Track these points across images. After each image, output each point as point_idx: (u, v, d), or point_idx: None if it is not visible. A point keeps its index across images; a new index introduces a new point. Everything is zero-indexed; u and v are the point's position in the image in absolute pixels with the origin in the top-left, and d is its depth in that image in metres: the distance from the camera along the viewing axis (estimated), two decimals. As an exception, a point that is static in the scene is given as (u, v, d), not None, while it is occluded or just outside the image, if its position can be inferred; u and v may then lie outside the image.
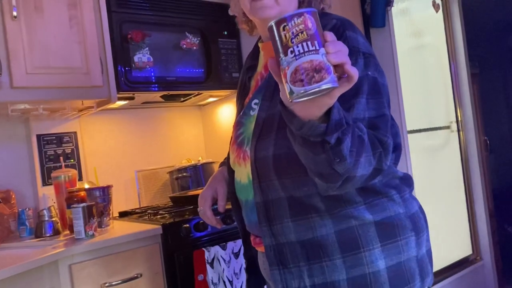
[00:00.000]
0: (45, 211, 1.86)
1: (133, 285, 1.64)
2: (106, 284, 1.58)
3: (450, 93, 3.17)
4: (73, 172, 1.97)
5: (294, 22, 0.68)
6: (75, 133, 2.13)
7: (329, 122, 0.75)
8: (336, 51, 0.69)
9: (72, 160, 2.10)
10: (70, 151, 2.10)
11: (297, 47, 0.67)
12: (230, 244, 1.71)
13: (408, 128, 2.59)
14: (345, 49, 0.71)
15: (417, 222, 1.01)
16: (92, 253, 1.58)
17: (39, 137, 2.03)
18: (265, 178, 0.98)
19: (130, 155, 2.35)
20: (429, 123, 2.97)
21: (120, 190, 2.24)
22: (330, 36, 0.70)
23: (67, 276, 1.53)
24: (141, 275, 1.66)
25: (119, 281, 1.61)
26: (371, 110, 0.91)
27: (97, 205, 1.81)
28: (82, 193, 1.85)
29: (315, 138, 0.76)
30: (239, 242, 1.59)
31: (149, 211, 2.03)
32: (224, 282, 1.54)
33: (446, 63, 3.19)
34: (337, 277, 0.94)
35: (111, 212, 1.93)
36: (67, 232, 1.86)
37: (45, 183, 2.03)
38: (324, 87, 0.67)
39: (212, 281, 1.53)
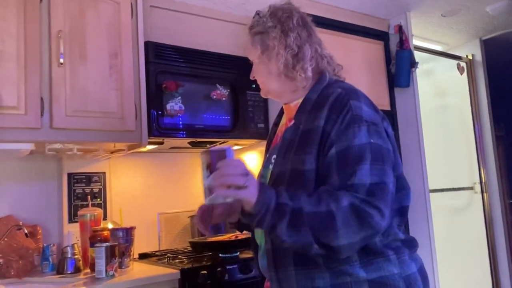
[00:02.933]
0: (68, 248, 1.91)
1: (148, 329, 1.64)
2: (122, 327, 1.59)
3: (474, 154, 3.17)
4: (99, 211, 2.03)
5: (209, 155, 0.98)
6: (104, 173, 2.21)
7: (249, 215, 0.95)
8: (217, 177, 0.93)
9: (98, 200, 2.17)
10: (97, 191, 2.18)
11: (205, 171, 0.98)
12: None
13: (431, 187, 2.59)
14: (230, 172, 0.92)
15: (413, 283, 1.05)
16: (111, 294, 1.61)
17: (70, 175, 2.12)
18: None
19: (154, 198, 2.41)
20: (452, 183, 2.95)
21: (142, 232, 2.28)
22: (220, 164, 0.94)
23: (85, 315, 1.55)
24: (156, 320, 1.67)
25: (135, 325, 1.62)
26: (374, 176, 0.98)
27: (119, 245, 1.85)
28: (106, 233, 1.91)
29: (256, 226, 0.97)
30: None
31: (168, 254, 2.05)
32: None
33: (470, 124, 3.21)
34: None
35: (132, 253, 1.96)
36: (88, 270, 1.90)
37: (71, 220, 2.09)
38: (207, 202, 0.97)
39: None
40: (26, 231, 1.85)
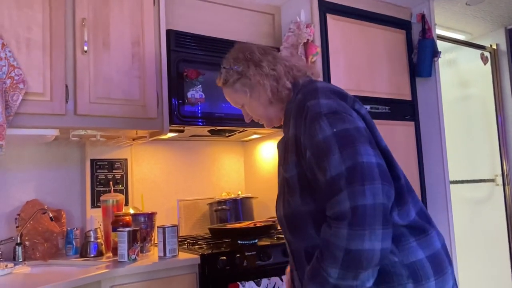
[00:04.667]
0: (91, 232, 1.96)
1: (168, 312, 1.68)
2: (143, 309, 1.63)
3: (496, 146, 3.12)
4: (121, 197, 2.07)
5: None
6: (126, 160, 2.25)
7: None
8: None
9: (120, 186, 2.22)
10: (119, 177, 2.22)
11: None
12: (264, 281, 1.72)
13: (451, 179, 2.56)
14: None
15: (418, 270, 1.03)
16: (133, 277, 1.65)
17: (92, 161, 2.16)
18: (284, 233, 1.19)
19: (174, 185, 2.45)
20: (473, 174, 2.92)
21: (162, 218, 2.32)
22: None
23: (108, 297, 1.60)
24: (176, 303, 1.70)
25: (156, 307, 1.66)
26: (347, 161, 0.97)
27: (141, 230, 1.89)
28: (128, 218, 1.95)
29: None
30: (273, 279, 1.62)
31: (188, 240, 2.09)
32: None
33: (492, 115, 3.15)
34: None
35: (153, 238, 2.00)
36: (110, 254, 1.95)
37: (93, 205, 2.14)
38: None
39: None
40: (51, 215, 1.90)
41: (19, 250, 1.88)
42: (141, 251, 1.88)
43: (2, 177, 2.00)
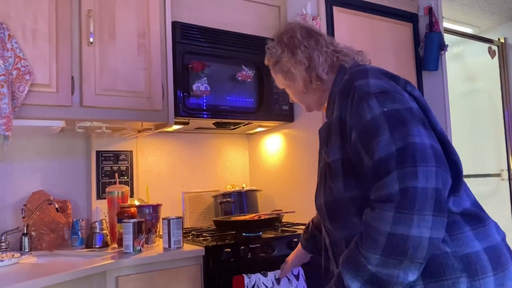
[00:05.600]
0: (97, 223, 1.97)
1: (173, 303, 1.69)
2: (148, 299, 1.65)
3: (502, 140, 3.10)
4: (126, 188, 2.08)
5: None
6: (131, 152, 2.26)
7: None
8: None
9: (125, 177, 2.23)
10: (124, 169, 2.23)
11: None
12: (271, 274, 1.71)
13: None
14: None
15: (473, 264, 0.94)
16: (138, 268, 1.66)
17: (98, 153, 2.17)
18: (323, 222, 1.16)
19: (179, 177, 2.45)
20: (479, 169, 2.90)
21: (167, 210, 2.33)
22: None
23: (114, 287, 1.61)
24: (181, 294, 1.71)
25: (161, 298, 1.67)
26: (398, 141, 0.91)
27: (146, 222, 1.90)
28: (133, 209, 1.96)
29: None
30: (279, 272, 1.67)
31: (193, 232, 2.10)
32: None
33: (499, 110, 3.13)
34: None
35: (158, 230, 2.01)
36: (115, 245, 1.96)
37: (99, 196, 2.15)
38: None
39: None
40: (56, 206, 1.91)
41: (26, 240, 1.90)
42: (146, 243, 1.89)
43: (8, 168, 2.02)
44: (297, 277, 1.75)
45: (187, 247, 1.86)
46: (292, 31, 1.24)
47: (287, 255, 1.96)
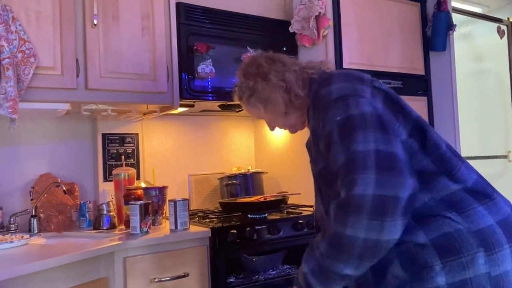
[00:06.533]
0: (104, 205, 1.99)
1: (180, 283, 1.72)
2: (156, 279, 1.67)
3: (510, 121, 3.07)
4: (133, 171, 2.10)
5: None
6: (137, 134, 2.26)
7: None
8: None
9: (132, 160, 2.24)
10: (131, 151, 2.24)
11: None
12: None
13: (463, 154, 2.54)
14: None
15: (488, 238, 0.97)
16: (145, 249, 1.68)
17: (104, 136, 2.18)
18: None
19: (184, 159, 2.46)
20: (485, 150, 2.88)
21: (173, 192, 2.34)
22: None
23: (121, 267, 1.63)
24: (188, 275, 1.74)
25: (168, 278, 1.69)
26: (345, 151, 0.97)
27: (152, 204, 1.91)
28: (140, 192, 1.97)
29: None
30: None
31: (199, 214, 2.11)
32: None
33: (507, 90, 3.10)
34: None
35: (164, 212, 2.03)
36: (122, 227, 1.98)
37: (106, 179, 2.17)
38: None
39: None
40: (64, 188, 1.93)
41: (34, 222, 1.93)
42: (153, 224, 1.90)
43: (15, 151, 2.03)
44: None
45: (194, 228, 1.87)
46: (256, 62, 1.25)
47: (293, 236, 1.98)
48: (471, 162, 2.97)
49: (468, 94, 2.76)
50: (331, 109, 1.04)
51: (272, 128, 1.35)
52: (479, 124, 2.91)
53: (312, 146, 1.16)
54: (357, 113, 1.00)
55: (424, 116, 2.51)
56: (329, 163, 1.04)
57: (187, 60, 2.03)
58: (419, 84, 2.51)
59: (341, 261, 0.94)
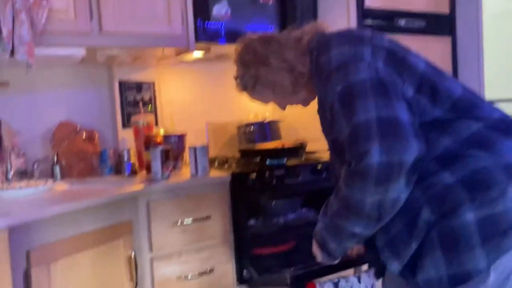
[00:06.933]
0: (125, 152, 2.00)
1: (202, 225, 1.75)
2: (178, 222, 1.70)
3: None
4: (151, 117, 2.09)
5: None
6: (153, 82, 2.24)
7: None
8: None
9: (149, 107, 2.22)
10: (148, 99, 2.22)
11: None
12: (341, 283, 1.54)
13: (487, 97, 2.47)
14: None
15: None
16: (168, 193, 1.70)
17: (121, 83, 2.16)
18: None
19: (202, 107, 2.44)
20: (510, 93, 2.80)
21: (191, 140, 2.33)
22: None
23: (145, 211, 1.66)
24: (210, 217, 1.76)
25: (190, 220, 1.72)
26: (349, 123, 0.96)
27: (172, 150, 1.91)
28: (159, 138, 1.97)
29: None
30: (351, 280, 1.51)
31: (218, 160, 2.12)
32: None
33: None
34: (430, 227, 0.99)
35: (184, 159, 2.03)
36: (144, 173, 2.00)
37: (124, 126, 2.17)
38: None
39: None
40: (84, 135, 1.94)
41: (57, 169, 1.95)
42: (174, 170, 1.91)
43: (33, 98, 2.03)
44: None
45: (214, 174, 1.88)
46: (250, 48, 1.20)
47: (312, 181, 1.98)
48: (496, 105, 2.89)
49: (495, 35, 2.64)
50: (332, 79, 1.02)
51: (283, 108, 1.32)
52: (505, 66, 2.80)
53: (320, 114, 1.15)
54: (356, 81, 0.98)
55: (447, 58, 2.42)
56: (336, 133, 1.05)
57: (201, 2, 1.96)
58: (444, 24, 2.40)
59: (350, 221, 1.00)
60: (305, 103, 1.28)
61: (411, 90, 1.01)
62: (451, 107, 1.02)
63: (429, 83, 1.04)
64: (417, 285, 1.01)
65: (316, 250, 1.17)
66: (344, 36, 1.10)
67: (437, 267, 0.96)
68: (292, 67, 1.15)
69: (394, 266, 1.03)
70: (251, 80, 1.20)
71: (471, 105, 1.04)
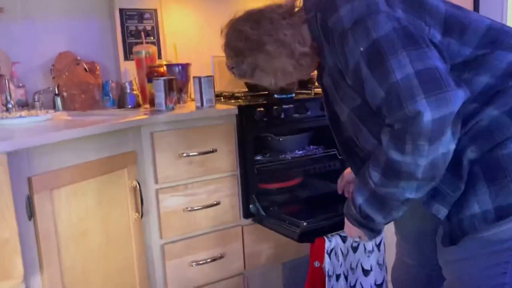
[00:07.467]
0: (127, 84, 1.93)
1: (207, 158, 1.71)
2: (184, 154, 1.66)
3: None
4: (154, 48, 2.00)
5: None
6: (155, 10, 2.12)
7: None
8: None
9: (152, 38, 2.12)
10: (150, 28, 2.12)
11: None
12: (349, 240, 1.54)
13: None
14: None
15: None
16: (172, 124, 1.64)
17: (121, 11, 2.04)
18: None
19: (207, 40, 2.33)
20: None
21: (196, 73, 2.26)
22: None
23: (149, 142, 1.61)
24: (216, 150, 1.72)
25: (195, 153, 1.68)
26: (383, 85, 0.87)
27: (176, 80, 1.84)
28: (162, 69, 1.89)
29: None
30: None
31: (224, 94, 2.05)
32: (337, 276, 1.45)
33: None
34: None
35: (189, 91, 1.96)
36: (147, 106, 1.94)
37: (126, 58, 2.08)
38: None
39: (328, 272, 1.44)
40: (85, 66, 1.86)
41: (58, 100, 1.90)
42: (178, 102, 1.85)
43: (32, 27, 1.93)
44: (378, 247, 1.55)
45: (220, 106, 1.82)
46: (241, 33, 1.07)
47: (320, 116, 1.92)
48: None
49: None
50: (349, 40, 0.91)
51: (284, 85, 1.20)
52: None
53: (339, 83, 1.02)
54: (380, 36, 0.87)
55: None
56: (365, 97, 0.94)
57: None
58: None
59: (400, 188, 0.93)
60: (309, 76, 1.18)
61: (438, 34, 0.93)
62: (481, 42, 0.95)
63: (454, 22, 0.96)
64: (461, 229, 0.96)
65: (352, 230, 1.09)
66: None
67: (482, 201, 0.92)
68: (291, 50, 1.04)
69: (443, 212, 0.97)
70: (249, 68, 1.10)
71: (501, 35, 0.97)
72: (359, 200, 1.01)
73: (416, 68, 0.84)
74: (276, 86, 1.14)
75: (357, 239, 1.14)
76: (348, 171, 1.53)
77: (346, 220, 1.10)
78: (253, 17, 1.08)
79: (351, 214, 1.06)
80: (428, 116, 0.82)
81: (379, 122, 0.94)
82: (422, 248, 1.03)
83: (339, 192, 1.51)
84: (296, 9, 1.07)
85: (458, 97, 0.84)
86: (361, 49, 0.89)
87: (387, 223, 1.04)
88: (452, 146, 0.88)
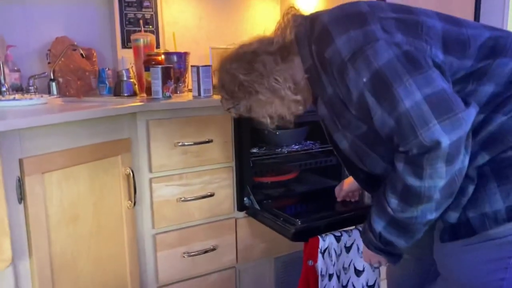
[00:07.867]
0: (124, 71, 1.90)
1: (203, 148, 1.69)
2: (179, 143, 1.64)
3: None
4: (152, 36, 1.97)
5: None
6: (155, -1, 2.10)
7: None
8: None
9: (150, 26, 2.10)
10: (149, 17, 2.09)
11: None
12: (344, 237, 1.52)
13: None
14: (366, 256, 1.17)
15: None
16: (168, 113, 1.62)
17: (120, -3, 2.02)
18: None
19: (206, 31, 2.32)
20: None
21: (194, 64, 2.24)
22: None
23: (144, 129, 1.59)
24: (211, 141, 1.70)
25: (191, 143, 1.66)
26: (391, 114, 0.86)
27: (174, 69, 1.82)
28: (160, 58, 1.87)
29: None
30: (354, 234, 1.49)
31: (222, 85, 2.02)
32: (330, 275, 1.45)
33: None
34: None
35: (187, 81, 1.94)
36: (144, 95, 1.91)
37: (124, 45, 2.06)
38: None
39: (321, 272, 1.43)
40: (81, 52, 1.84)
41: (53, 85, 1.87)
42: (175, 91, 1.83)
43: (29, 11, 1.90)
44: None
45: (217, 97, 1.79)
46: (234, 78, 1.06)
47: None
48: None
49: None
50: (350, 71, 0.89)
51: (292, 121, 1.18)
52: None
53: (340, 112, 0.99)
54: (382, 64, 0.86)
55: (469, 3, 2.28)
56: (372, 124, 0.93)
57: None
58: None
59: (421, 211, 0.92)
60: (305, 105, 1.13)
61: (440, 53, 0.92)
62: (481, 54, 0.94)
63: (452, 40, 0.94)
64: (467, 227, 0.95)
65: (372, 256, 1.10)
66: (341, 20, 0.95)
67: (493, 200, 0.90)
68: (282, 97, 1.03)
69: (454, 217, 0.96)
70: (245, 110, 1.11)
71: (501, 44, 0.96)
72: (378, 227, 1.00)
73: (424, 94, 0.83)
74: (273, 126, 1.13)
75: (377, 265, 1.15)
76: (348, 182, 1.54)
77: (364, 247, 1.10)
78: (246, 59, 1.06)
79: (371, 242, 1.05)
80: (446, 141, 0.82)
81: (389, 147, 0.93)
82: (419, 242, 1.02)
83: (339, 200, 1.57)
84: (287, 40, 1.04)
85: (471, 115, 0.84)
86: (364, 80, 0.88)
87: (409, 246, 1.03)
88: (467, 160, 0.87)
